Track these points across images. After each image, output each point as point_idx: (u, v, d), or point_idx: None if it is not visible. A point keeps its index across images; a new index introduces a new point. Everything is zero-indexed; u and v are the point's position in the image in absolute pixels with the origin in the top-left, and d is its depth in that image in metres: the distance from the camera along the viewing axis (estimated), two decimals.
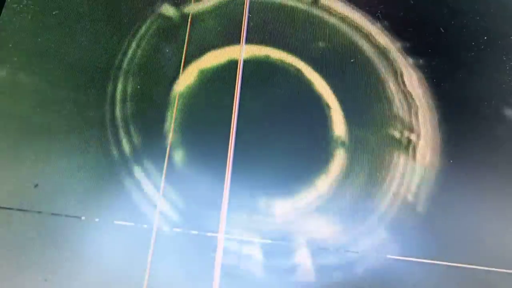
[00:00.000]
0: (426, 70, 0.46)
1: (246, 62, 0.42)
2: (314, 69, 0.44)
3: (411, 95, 0.45)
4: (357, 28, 0.48)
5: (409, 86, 0.46)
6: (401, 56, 0.47)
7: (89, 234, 0.34)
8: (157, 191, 0.36)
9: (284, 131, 0.40)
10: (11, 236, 0.33)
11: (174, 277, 0.34)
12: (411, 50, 0.47)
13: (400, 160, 0.42)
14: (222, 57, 0.42)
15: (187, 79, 0.40)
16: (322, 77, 0.44)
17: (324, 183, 0.39)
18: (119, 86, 0.39)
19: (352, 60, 0.45)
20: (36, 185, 0.32)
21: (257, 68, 0.42)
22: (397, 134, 0.44)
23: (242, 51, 0.42)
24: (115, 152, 0.37)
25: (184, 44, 0.42)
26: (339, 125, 0.42)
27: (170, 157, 0.37)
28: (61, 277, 0.33)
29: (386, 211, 0.40)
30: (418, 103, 0.45)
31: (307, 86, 0.43)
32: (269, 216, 0.36)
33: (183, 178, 0.36)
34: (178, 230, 0.35)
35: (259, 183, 0.37)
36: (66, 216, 0.34)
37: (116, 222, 0.34)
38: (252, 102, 0.40)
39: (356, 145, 0.42)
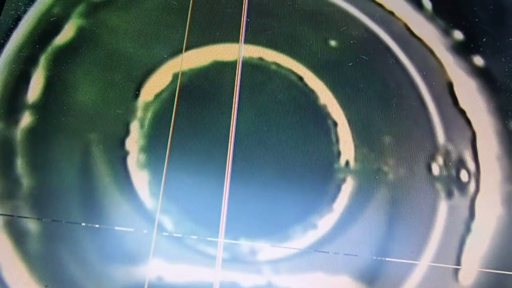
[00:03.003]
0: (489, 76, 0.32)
1: (245, 63, 0.41)
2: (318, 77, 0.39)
3: (464, 115, 0.33)
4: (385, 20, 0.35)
5: (462, 102, 0.33)
6: (450, 56, 0.34)
7: (89, 240, 0.34)
8: (157, 196, 0.36)
9: (284, 132, 0.39)
10: (12, 243, 0.33)
11: (174, 282, 0.34)
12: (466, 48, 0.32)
13: (440, 209, 0.30)
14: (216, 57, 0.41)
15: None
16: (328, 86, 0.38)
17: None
18: None
19: (350, 64, 0.38)
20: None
21: (254, 71, 0.41)
22: (435, 170, 0.31)
23: (241, 51, 0.42)
24: (116, 157, 0.37)
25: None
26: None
27: (169, 162, 0.37)
28: (61, 283, 0.33)
29: None
30: (476, 127, 0.32)
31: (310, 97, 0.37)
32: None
33: (182, 183, 0.36)
34: (178, 235, 0.35)
35: (258, 186, 0.37)
36: (67, 222, 0.34)
37: (116, 228, 0.35)
38: (251, 106, 0.40)
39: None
